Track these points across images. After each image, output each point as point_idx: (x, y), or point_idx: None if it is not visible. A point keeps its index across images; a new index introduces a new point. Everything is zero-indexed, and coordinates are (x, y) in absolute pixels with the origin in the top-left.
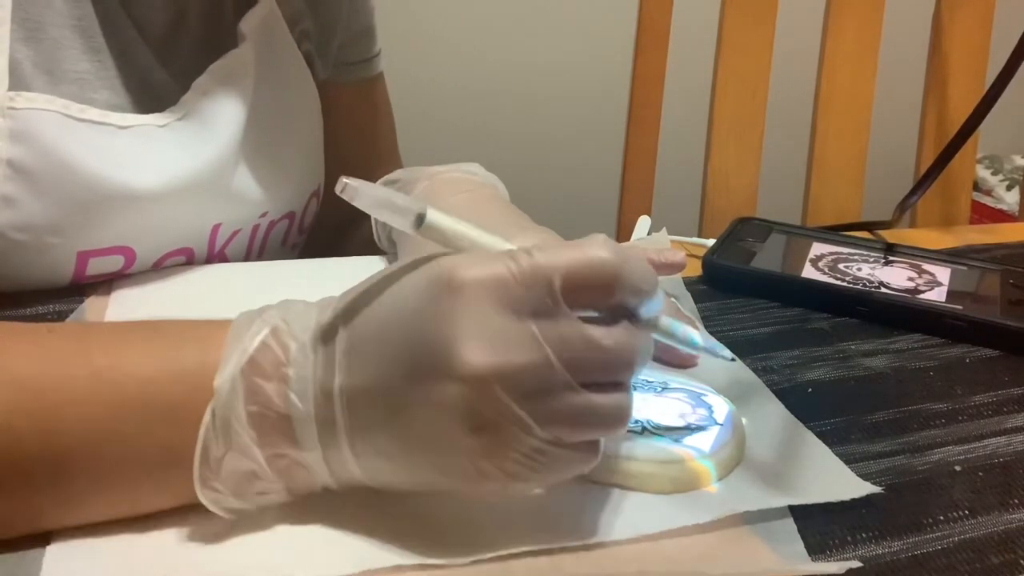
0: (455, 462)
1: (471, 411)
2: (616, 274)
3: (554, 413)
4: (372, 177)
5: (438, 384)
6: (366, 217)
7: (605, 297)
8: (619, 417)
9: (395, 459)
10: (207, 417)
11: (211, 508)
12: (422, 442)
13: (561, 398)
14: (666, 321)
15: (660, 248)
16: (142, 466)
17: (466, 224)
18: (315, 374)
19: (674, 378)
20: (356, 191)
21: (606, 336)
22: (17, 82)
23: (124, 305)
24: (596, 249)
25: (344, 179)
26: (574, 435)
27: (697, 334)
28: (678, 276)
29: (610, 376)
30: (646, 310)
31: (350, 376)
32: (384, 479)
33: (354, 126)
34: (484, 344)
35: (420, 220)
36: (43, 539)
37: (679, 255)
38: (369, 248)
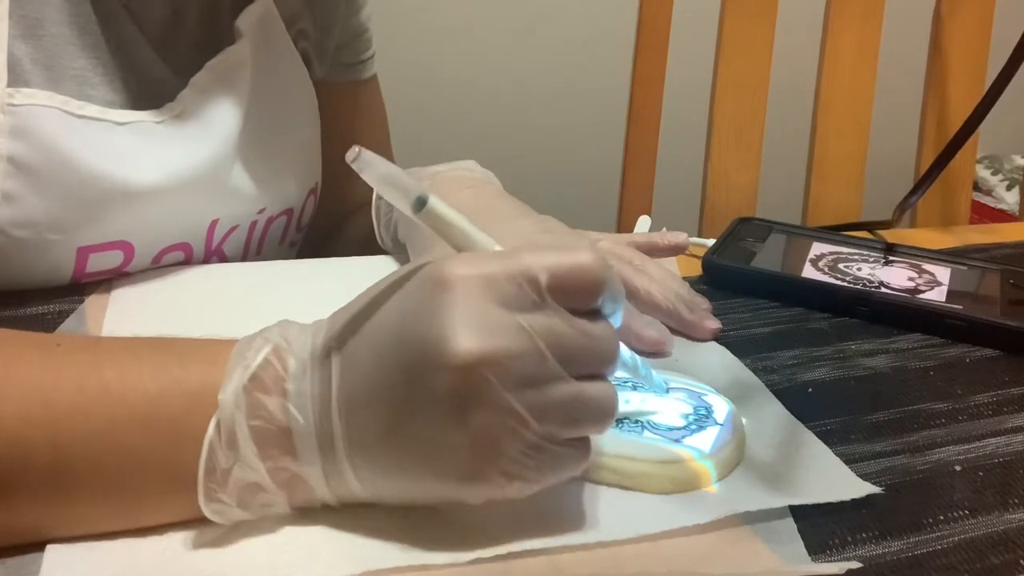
0: (451, 463)
1: (463, 402)
2: (601, 277)
3: (547, 405)
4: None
5: (430, 376)
6: (362, 215)
7: (589, 299)
8: (608, 409)
9: (392, 467)
10: (211, 430)
11: (214, 519)
12: (418, 444)
13: (553, 389)
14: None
15: (662, 232)
16: (147, 480)
17: (463, 218)
18: (313, 388)
19: (674, 378)
20: (367, 163)
21: (592, 327)
22: (16, 78)
23: (123, 305)
24: (582, 253)
25: (357, 148)
26: (567, 429)
27: (640, 361)
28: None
29: (596, 367)
30: (615, 319)
31: (346, 385)
32: (382, 490)
33: (347, 126)
34: (473, 333)
35: (420, 203)
36: (41, 541)
37: (681, 235)
38: (363, 247)
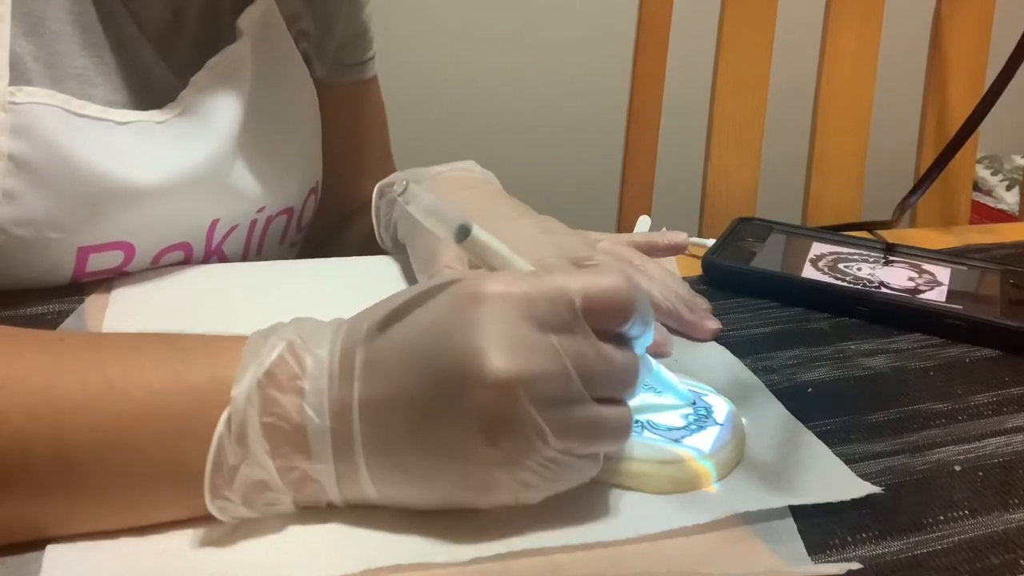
0: (472, 473)
1: (493, 418)
2: (633, 301)
3: (569, 423)
4: (362, 178)
5: (463, 391)
6: (361, 217)
7: (620, 322)
8: (624, 430)
9: (411, 471)
10: (221, 425)
11: (218, 516)
12: (441, 452)
13: (575, 409)
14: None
15: (662, 231)
16: (150, 476)
17: (504, 246)
18: (331, 387)
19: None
20: (413, 196)
21: (617, 354)
22: (18, 77)
23: (123, 304)
24: (613, 276)
25: (404, 181)
26: (584, 446)
27: (676, 381)
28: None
29: (617, 392)
30: (640, 343)
31: (370, 388)
32: (395, 493)
33: (347, 127)
34: (509, 352)
35: (464, 232)
36: (42, 540)
37: (681, 235)
38: (363, 247)
